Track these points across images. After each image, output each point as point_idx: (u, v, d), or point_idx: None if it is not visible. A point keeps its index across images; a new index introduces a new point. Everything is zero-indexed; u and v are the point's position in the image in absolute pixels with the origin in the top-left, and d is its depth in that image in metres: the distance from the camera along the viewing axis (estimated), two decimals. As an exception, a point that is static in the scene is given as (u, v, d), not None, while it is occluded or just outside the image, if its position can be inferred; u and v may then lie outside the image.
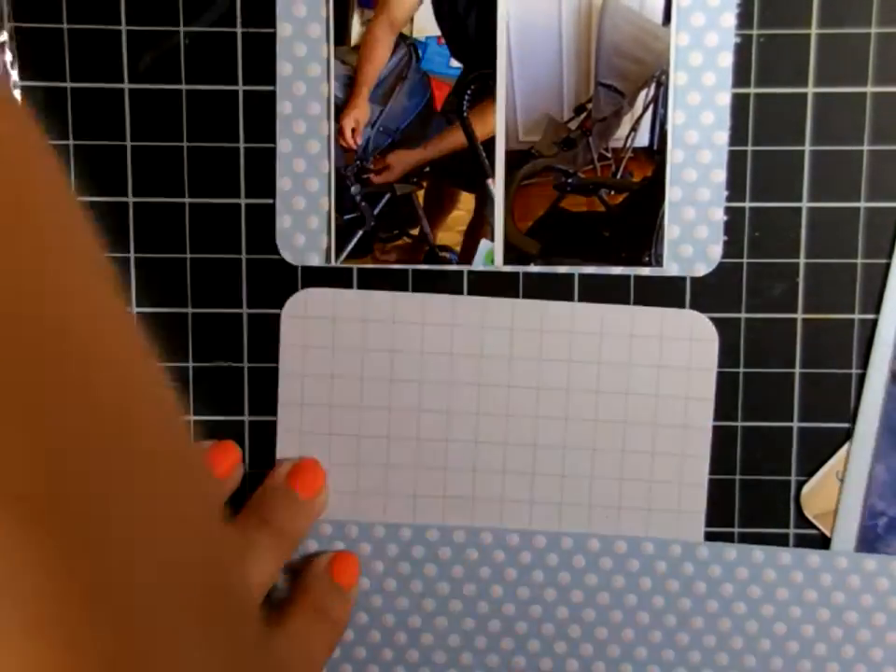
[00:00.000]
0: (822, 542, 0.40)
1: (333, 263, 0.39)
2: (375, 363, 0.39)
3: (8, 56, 0.38)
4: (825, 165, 0.39)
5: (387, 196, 0.39)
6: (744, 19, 0.38)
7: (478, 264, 0.39)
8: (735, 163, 0.39)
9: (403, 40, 0.38)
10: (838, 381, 0.40)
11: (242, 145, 0.39)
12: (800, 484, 0.40)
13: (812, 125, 0.38)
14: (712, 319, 0.39)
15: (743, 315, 0.39)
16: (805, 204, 0.39)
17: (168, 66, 0.38)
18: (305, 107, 0.38)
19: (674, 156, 0.38)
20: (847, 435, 0.40)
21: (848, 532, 0.40)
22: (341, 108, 0.38)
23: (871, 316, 0.39)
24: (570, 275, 0.39)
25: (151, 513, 0.17)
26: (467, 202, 0.39)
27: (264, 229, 0.39)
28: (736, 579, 0.40)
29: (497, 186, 0.39)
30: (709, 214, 0.39)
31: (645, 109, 0.38)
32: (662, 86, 0.38)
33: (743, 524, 0.40)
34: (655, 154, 0.39)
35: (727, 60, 0.38)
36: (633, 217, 0.39)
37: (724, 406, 0.40)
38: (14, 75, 0.38)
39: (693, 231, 0.39)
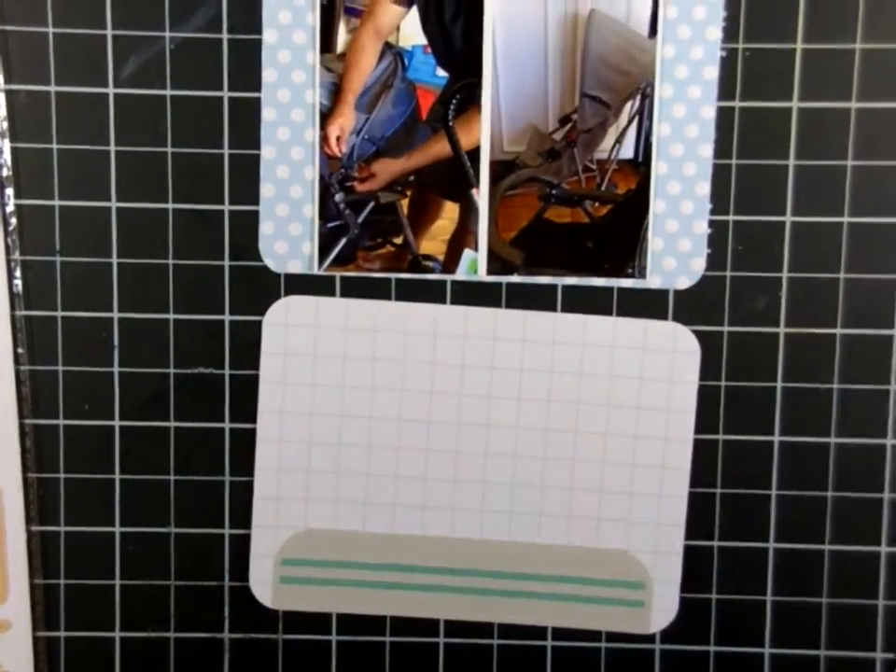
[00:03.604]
0: (806, 558, 0.40)
1: (316, 271, 0.39)
2: (357, 372, 0.39)
3: (-7, 59, 0.38)
4: (809, 179, 0.39)
5: (371, 204, 0.39)
6: (730, 32, 0.38)
7: (461, 273, 0.39)
8: (720, 176, 0.39)
9: (389, 49, 0.38)
10: (820, 395, 0.40)
11: (226, 151, 0.39)
12: (783, 499, 0.40)
13: (796, 139, 0.39)
14: (694, 332, 0.39)
15: (725, 328, 0.39)
16: (788, 218, 0.39)
17: (153, 71, 0.38)
18: (290, 114, 0.38)
19: (658, 168, 0.38)
20: (828, 450, 0.40)
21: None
22: (326, 116, 0.38)
23: (853, 331, 0.39)
24: (553, 286, 0.39)
25: None
26: (451, 211, 0.39)
27: (247, 235, 0.39)
28: None
29: (482, 196, 0.39)
30: (693, 226, 0.39)
31: (630, 121, 0.38)
32: (647, 98, 0.38)
33: (723, 537, 0.40)
34: (640, 166, 0.39)
35: (713, 73, 0.38)
36: (617, 228, 0.39)
37: (705, 419, 0.40)
38: (-2, 77, 0.38)
39: (677, 243, 0.39)
